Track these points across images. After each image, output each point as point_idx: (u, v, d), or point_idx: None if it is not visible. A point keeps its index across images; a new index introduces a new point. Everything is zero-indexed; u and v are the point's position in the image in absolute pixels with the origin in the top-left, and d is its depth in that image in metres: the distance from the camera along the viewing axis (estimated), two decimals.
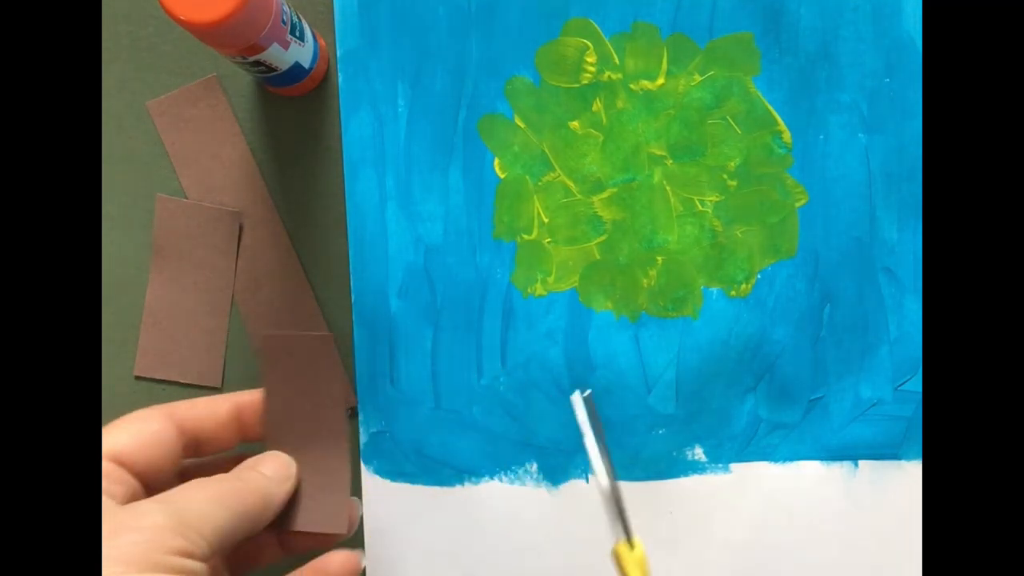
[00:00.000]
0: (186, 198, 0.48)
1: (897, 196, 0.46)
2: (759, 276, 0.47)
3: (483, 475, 0.48)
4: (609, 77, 0.47)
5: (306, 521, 0.36)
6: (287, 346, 0.37)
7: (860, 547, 0.47)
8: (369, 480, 0.48)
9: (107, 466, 0.31)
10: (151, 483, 0.33)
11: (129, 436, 0.32)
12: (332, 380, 0.37)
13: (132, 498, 0.31)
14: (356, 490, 0.48)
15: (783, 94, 0.46)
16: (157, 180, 0.48)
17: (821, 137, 0.46)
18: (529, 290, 0.47)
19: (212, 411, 0.36)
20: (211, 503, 0.30)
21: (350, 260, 0.48)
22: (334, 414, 0.37)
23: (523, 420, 0.47)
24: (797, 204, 0.47)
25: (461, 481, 0.48)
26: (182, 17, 0.36)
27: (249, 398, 0.37)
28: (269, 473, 0.35)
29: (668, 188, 0.47)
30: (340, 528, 0.37)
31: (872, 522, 0.47)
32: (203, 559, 0.29)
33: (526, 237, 0.47)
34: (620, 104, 0.47)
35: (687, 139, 0.47)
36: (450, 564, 0.48)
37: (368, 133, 0.47)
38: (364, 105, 0.47)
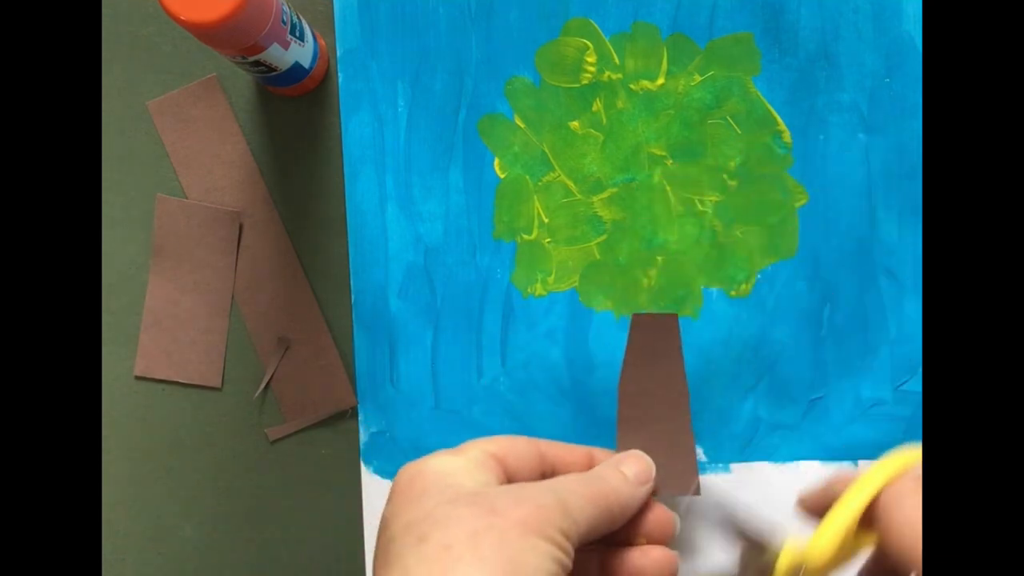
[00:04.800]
0: (186, 198, 0.48)
1: (897, 196, 0.46)
2: (759, 276, 0.47)
3: None
4: (609, 77, 0.47)
5: (658, 484, 0.37)
6: (652, 324, 0.39)
7: None
8: (369, 480, 0.48)
9: (486, 457, 0.33)
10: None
11: (501, 445, 0.34)
12: (673, 357, 0.39)
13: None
14: (356, 490, 0.48)
15: (783, 94, 0.46)
16: (157, 180, 0.48)
17: (821, 137, 0.46)
18: (529, 290, 0.47)
19: (569, 451, 0.37)
20: (582, 497, 0.32)
21: (350, 260, 0.48)
22: (680, 388, 0.39)
23: (523, 420, 0.47)
24: (797, 204, 0.47)
25: None
26: (182, 17, 0.36)
27: (601, 455, 0.38)
28: (631, 475, 0.35)
29: (668, 188, 0.47)
30: (687, 489, 0.38)
31: None
32: (574, 544, 0.31)
33: (526, 237, 0.47)
34: (620, 104, 0.47)
35: (687, 139, 0.47)
36: None
37: (368, 133, 0.47)
38: (364, 105, 0.47)
